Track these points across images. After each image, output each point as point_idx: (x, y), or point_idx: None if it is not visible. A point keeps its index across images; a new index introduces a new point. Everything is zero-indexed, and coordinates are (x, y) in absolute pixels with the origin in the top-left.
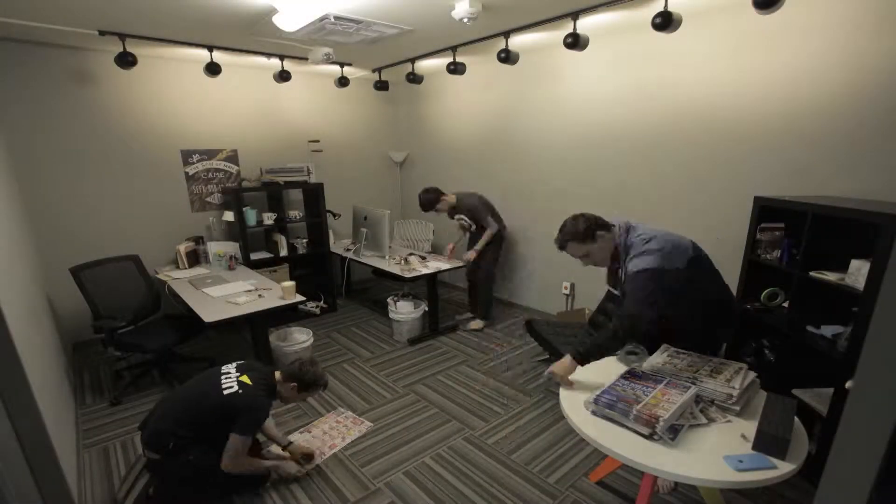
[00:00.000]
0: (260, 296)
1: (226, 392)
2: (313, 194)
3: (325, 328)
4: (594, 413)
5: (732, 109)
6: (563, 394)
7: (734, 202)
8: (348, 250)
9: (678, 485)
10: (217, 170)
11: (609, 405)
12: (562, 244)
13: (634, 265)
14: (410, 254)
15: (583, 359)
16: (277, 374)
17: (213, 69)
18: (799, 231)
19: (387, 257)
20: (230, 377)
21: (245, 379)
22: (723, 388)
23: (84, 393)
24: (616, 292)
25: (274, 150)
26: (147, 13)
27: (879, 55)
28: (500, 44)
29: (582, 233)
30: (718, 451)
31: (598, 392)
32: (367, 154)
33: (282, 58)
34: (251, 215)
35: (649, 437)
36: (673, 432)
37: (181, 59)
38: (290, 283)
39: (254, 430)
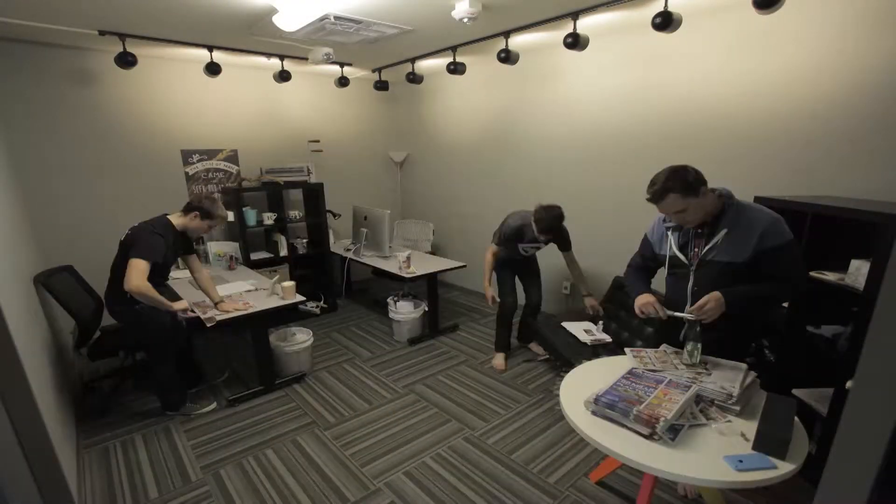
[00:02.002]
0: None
1: (123, 238)
2: (313, 194)
3: (325, 328)
4: (594, 413)
5: (732, 109)
6: (564, 394)
7: None
8: (348, 250)
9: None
10: (217, 170)
11: (609, 405)
12: (661, 194)
13: (782, 235)
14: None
15: (731, 301)
16: (174, 214)
17: (213, 69)
18: (799, 231)
19: (388, 257)
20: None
21: (135, 225)
22: (723, 388)
23: (84, 393)
24: (682, 259)
25: (274, 150)
26: (147, 13)
27: (879, 55)
28: (500, 44)
29: (690, 184)
30: (718, 451)
31: (598, 392)
32: (367, 154)
33: (282, 58)
34: (251, 215)
35: (649, 437)
36: (673, 432)
37: (181, 59)
38: (290, 283)
39: (148, 253)
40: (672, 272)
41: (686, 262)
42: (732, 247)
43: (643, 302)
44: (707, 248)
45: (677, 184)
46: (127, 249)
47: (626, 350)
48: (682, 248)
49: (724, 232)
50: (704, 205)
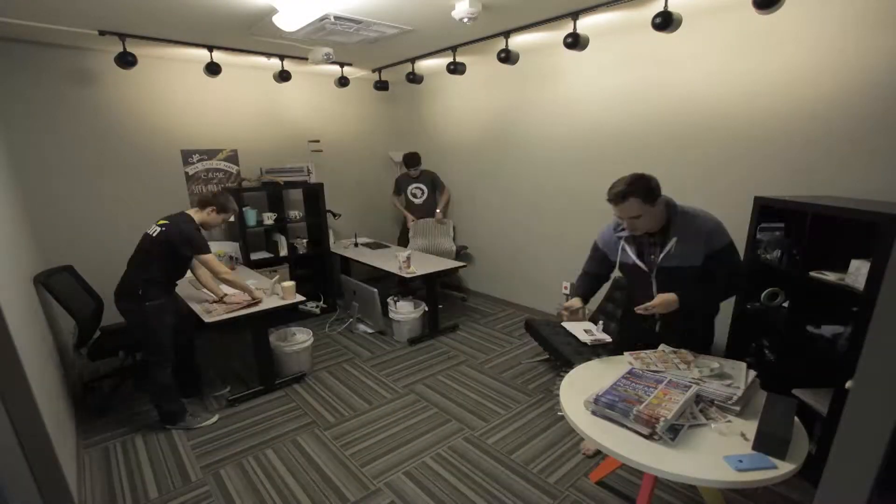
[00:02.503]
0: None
1: (154, 234)
2: (313, 194)
3: (324, 328)
4: (594, 413)
5: (732, 109)
6: (564, 393)
7: (734, 202)
8: (350, 246)
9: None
10: (217, 170)
11: (609, 405)
12: (624, 195)
13: (724, 237)
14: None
15: (684, 305)
16: (191, 210)
17: (213, 69)
18: (799, 231)
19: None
20: (153, 229)
21: (162, 221)
22: (725, 389)
23: (84, 393)
24: (642, 267)
25: (274, 150)
26: (147, 13)
27: (879, 55)
28: (500, 44)
29: (651, 191)
30: (718, 451)
31: (598, 392)
32: (367, 154)
33: (282, 58)
34: (251, 215)
35: (649, 437)
36: (673, 432)
37: (181, 59)
38: (290, 283)
39: (206, 246)
40: (631, 279)
41: (646, 269)
42: (685, 253)
43: (567, 304)
44: (662, 255)
45: (640, 189)
46: (163, 246)
47: (626, 353)
48: (639, 257)
49: (674, 240)
50: (656, 214)
